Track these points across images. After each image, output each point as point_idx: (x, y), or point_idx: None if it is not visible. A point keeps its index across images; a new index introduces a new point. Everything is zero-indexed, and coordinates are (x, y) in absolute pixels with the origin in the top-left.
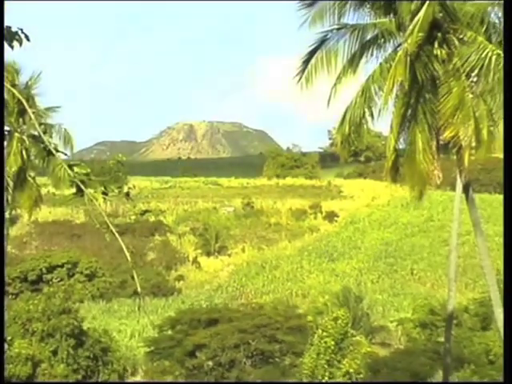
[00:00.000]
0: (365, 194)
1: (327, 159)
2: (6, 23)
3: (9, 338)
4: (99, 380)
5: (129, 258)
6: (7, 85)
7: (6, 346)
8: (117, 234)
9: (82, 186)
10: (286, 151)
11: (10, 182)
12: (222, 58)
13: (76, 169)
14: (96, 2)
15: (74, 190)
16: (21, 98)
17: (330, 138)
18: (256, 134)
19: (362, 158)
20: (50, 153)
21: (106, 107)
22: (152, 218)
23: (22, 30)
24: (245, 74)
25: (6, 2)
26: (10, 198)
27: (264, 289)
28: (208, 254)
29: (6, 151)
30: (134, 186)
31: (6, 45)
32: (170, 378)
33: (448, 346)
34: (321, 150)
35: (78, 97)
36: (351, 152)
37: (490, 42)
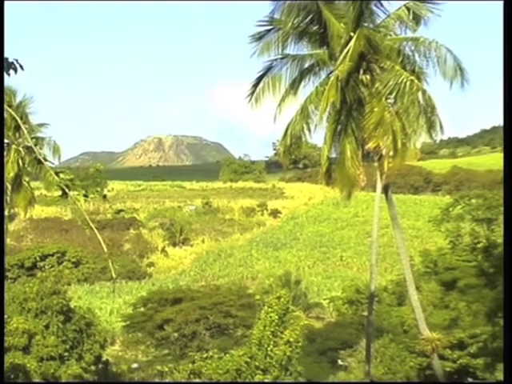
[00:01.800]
0: (303, 195)
1: (272, 166)
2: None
3: (8, 315)
4: (84, 348)
5: (105, 249)
6: (5, 105)
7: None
8: (95, 230)
9: (67, 190)
10: (238, 160)
11: (8, 185)
12: (187, 82)
13: (61, 175)
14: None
15: (60, 192)
16: (15, 116)
17: (274, 149)
18: (213, 146)
19: (300, 165)
20: (40, 162)
21: (89, 123)
22: (127, 215)
23: (17, 60)
24: (205, 95)
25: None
26: (8, 198)
27: (220, 273)
28: (174, 244)
29: (4, 160)
30: (113, 189)
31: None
32: (142, 347)
33: (370, 318)
34: (267, 159)
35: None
36: (292, 160)
37: (405, 70)
